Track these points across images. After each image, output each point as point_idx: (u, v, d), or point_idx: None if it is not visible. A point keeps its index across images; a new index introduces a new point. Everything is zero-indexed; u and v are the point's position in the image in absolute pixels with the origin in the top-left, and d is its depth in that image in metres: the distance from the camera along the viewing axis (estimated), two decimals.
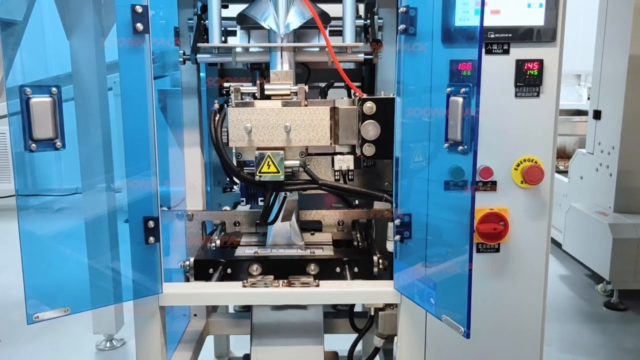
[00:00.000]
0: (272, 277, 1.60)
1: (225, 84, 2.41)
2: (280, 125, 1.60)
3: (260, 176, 1.62)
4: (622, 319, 3.71)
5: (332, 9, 1.90)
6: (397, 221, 1.50)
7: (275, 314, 1.87)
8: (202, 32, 1.96)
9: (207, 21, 1.89)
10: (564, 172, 4.91)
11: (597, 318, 3.72)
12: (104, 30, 1.51)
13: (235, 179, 2.29)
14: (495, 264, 1.53)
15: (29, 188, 1.38)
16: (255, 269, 1.71)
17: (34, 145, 1.27)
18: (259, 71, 2.18)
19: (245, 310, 2.33)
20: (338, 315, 2.23)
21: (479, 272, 1.52)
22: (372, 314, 1.86)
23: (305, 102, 1.63)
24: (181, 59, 1.89)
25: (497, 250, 1.53)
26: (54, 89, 1.28)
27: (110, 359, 3.28)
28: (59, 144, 1.30)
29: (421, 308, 1.49)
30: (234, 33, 2.16)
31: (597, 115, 4.17)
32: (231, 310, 2.67)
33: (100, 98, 1.51)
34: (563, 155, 5.49)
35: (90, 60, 1.52)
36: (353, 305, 2.12)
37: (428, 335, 1.59)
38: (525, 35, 1.44)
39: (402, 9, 1.40)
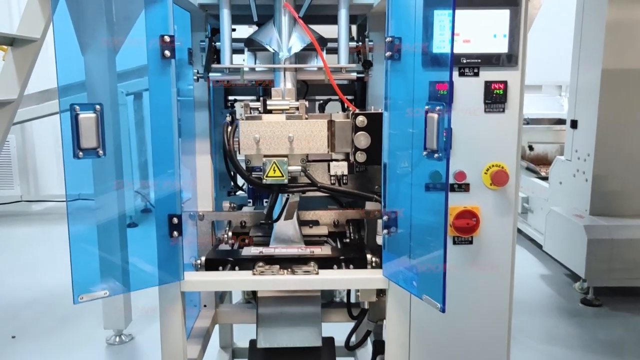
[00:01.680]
0: (277, 266, 1.85)
1: (230, 97, 2.70)
2: (285, 135, 1.85)
3: (267, 180, 1.86)
4: (597, 314, 3.99)
5: (327, 30, 2.17)
6: (385, 218, 1.76)
7: (279, 305, 2.11)
8: (212, 53, 2.22)
9: (216, 43, 2.15)
10: (545, 179, 5.20)
11: (574, 313, 3.99)
12: (116, 47, 1.73)
13: (240, 183, 2.54)
14: (469, 254, 1.79)
15: (75, 190, 1.60)
16: (259, 265, 1.95)
17: (81, 153, 1.51)
18: (262, 87, 2.44)
19: (251, 297, 2.56)
20: (334, 306, 2.47)
21: (455, 262, 1.78)
22: (366, 307, 2.12)
23: (306, 116, 1.89)
24: (195, 77, 2.14)
25: (471, 242, 1.79)
26: (97, 107, 1.53)
27: (119, 353, 3.50)
28: (100, 152, 1.54)
29: (406, 292, 1.75)
30: (238, 52, 2.41)
31: (574, 124, 4.46)
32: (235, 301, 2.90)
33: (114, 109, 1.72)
34: (545, 162, 5.77)
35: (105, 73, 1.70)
36: (349, 297, 2.37)
37: (412, 316, 1.84)
38: (492, 60, 1.70)
39: (388, 39, 1.66)
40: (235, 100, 2.61)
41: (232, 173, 2.65)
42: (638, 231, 4.00)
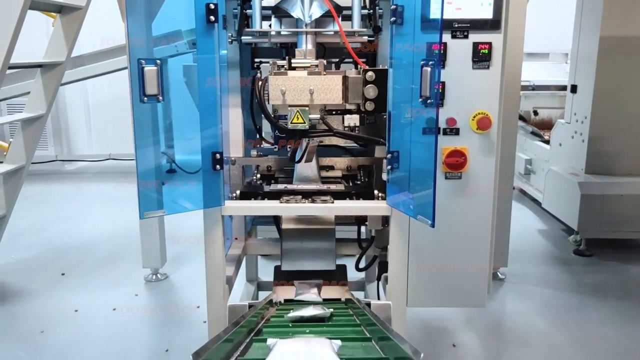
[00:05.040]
0: (300, 196, 2.24)
1: (256, 60, 3.06)
2: (306, 89, 2.21)
3: (291, 125, 2.24)
4: (587, 262, 4.36)
5: None
6: (389, 156, 2.13)
7: (299, 239, 2.51)
8: (243, 19, 2.58)
9: (247, 10, 2.51)
10: (548, 142, 5.51)
11: (566, 262, 4.37)
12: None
13: (271, 129, 2.92)
14: (459, 187, 2.16)
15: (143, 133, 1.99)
16: (286, 196, 2.35)
17: (145, 98, 1.90)
18: (285, 49, 2.79)
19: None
20: (346, 241, 2.87)
21: (447, 194, 2.16)
22: (373, 234, 2.51)
23: (324, 73, 2.25)
24: (229, 40, 2.50)
25: (460, 177, 2.16)
26: (158, 61, 1.91)
27: (156, 288, 3.96)
28: (160, 98, 1.93)
29: (406, 219, 2.14)
30: (266, 18, 2.76)
31: (573, 89, 4.77)
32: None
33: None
34: (549, 126, 6.05)
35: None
36: (360, 232, 2.76)
37: (411, 240, 2.23)
38: (479, 25, 2.05)
39: (393, 7, 2.01)
40: (261, 62, 2.98)
41: (257, 127, 3.03)
42: (628, 188, 4.33)
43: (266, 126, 3.36)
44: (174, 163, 2.26)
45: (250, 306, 1.90)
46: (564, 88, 6.15)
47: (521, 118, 5.79)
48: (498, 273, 4.00)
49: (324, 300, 2.01)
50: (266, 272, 3.70)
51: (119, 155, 7.46)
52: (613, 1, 4.24)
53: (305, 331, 1.67)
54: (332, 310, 1.83)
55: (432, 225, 1.90)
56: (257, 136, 3.16)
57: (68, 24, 3.73)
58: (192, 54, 2.85)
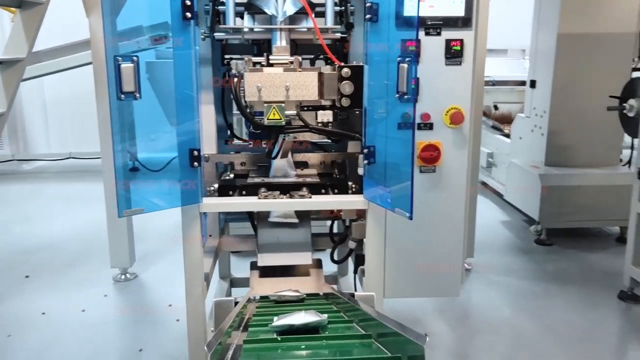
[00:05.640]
0: (278, 192, 2.26)
1: (226, 56, 3.05)
2: (282, 85, 2.23)
3: (268, 122, 2.25)
4: (548, 251, 4.53)
5: None
6: (365, 151, 2.17)
7: (275, 233, 2.52)
8: (215, 15, 2.57)
9: (218, 6, 2.50)
10: (508, 135, 5.68)
11: (529, 251, 4.52)
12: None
13: (246, 125, 2.91)
14: (433, 180, 2.23)
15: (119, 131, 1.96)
16: (263, 191, 2.36)
17: (122, 96, 1.88)
18: (257, 46, 2.80)
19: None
20: (321, 236, 2.90)
21: (422, 187, 2.22)
22: (348, 224, 2.55)
23: (300, 69, 2.27)
24: (202, 37, 2.49)
25: (434, 171, 2.23)
26: (134, 58, 1.89)
27: (126, 288, 3.90)
28: (137, 95, 1.91)
29: (382, 212, 2.18)
30: (238, 14, 2.75)
31: (532, 84, 4.93)
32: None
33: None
34: (509, 120, 6.22)
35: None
36: (333, 226, 2.80)
37: (387, 232, 2.28)
38: (451, 22, 2.11)
39: (368, 4, 2.05)
40: (231, 59, 2.97)
41: (228, 124, 3.03)
42: (585, 179, 4.51)
43: (235, 123, 3.37)
44: (137, 161, 2.24)
45: (235, 303, 1.91)
46: (522, 83, 6.34)
47: (483, 113, 5.94)
48: (465, 264, 4.10)
49: (307, 295, 2.01)
50: (239, 269, 3.70)
51: (80, 154, 7.29)
52: None
53: (300, 346, 1.41)
54: (326, 316, 1.59)
55: (410, 218, 1.95)
56: (229, 133, 3.16)
57: (28, 19, 3.62)
58: (154, 50, 2.84)
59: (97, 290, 3.82)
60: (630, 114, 3.72)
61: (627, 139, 4.64)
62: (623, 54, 4.44)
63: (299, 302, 1.95)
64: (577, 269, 4.18)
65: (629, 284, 3.62)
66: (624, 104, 3.76)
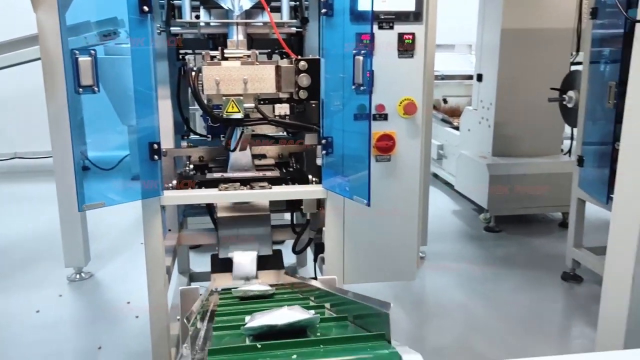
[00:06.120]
0: (238, 183, 2.30)
1: (181, 52, 3.05)
2: (240, 78, 2.26)
3: (226, 114, 2.29)
4: (497, 237, 4.73)
5: None
6: (323, 142, 2.24)
7: (235, 226, 2.55)
8: (170, 9, 2.58)
9: (174, 1, 2.51)
10: (457, 128, 5.87)
11: (479, 238, 4.71)
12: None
13: (203, 119, 2.92)
14: (388, 169, 2.31)
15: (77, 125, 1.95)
16: (224, 184, 2.39)
17: (80, 90, 1.87)
18: (212, 40, 2.82)
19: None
20: (280, 227, 2.95)
21: (378, 176, 2.30)
22: (309, 217, 2.61)
23: (257, 62, 2.31)
24: (158, 31, 2.50)
25: (389, 160, 2.31)
26: (92, 51, 1.89)
27: (81, 288, 3.84)
28: (95, 89, 1.91)
29: (341, 201, 2.26)
30: (194, 9, 2.77)
31: (479, 78, 5.11)
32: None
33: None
34: (458, 114, 6.43)
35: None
36: (293, 218, 2.85)
37: (345, 221, 2.35)
38: (403, 16, 2.20)
39: None
40: (186, 54, 2.98)
41: (184, 118, 3.04)
42: (531, 168, 4.73)
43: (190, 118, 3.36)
44: (88, 160, 2.23)
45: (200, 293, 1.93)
46: (469, 77, 6.55)
47: (433, 107, 6.11)
48: (419, 252, 4.24)
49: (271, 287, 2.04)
50: (197, 264, 3.71)
51: (26, 154, 7.05)
52: None
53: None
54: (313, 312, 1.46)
55: (368, 204, 2.03)
56: (185, 128, 3.17)
57: None
58: (103, 47, 2.81)
59: (51, 291, 3.74)
60: (570, 105, 3.93)
61: (568, 129, 4.90)
62: (562, 48, 4.67)
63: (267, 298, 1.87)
64: (524, 253, 4.39)
65: (571, 265, 3.84)
66: (564, 96, 3.97)
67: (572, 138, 4.55)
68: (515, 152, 4.90)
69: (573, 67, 4.43)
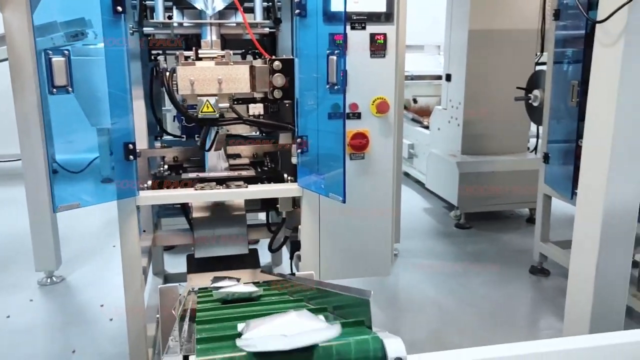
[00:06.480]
0: (214, 182, 2.31)
1: (153, 52, 3.05)
2: (215, 78, 2.28)
3: (201, 114, 2.30)
4: (467, 234, 4.83)
5: None
6: (298, 141, 2.27)
7: (211, 226, 2.56)
8: (143, 10, 2.58)
9: (146, 1, 2.51)
10: (427, 127, 5.97)
11: (450, 235, 4.81)
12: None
13: (177, 119, 2.92)
14: (362, 167, 2.36)
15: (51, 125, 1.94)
16: (200, 184, 2.40)
17: (54, 90, 1.87)
18: (185, 41, 2.82)
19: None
20: (256, 227, 2.97)
21: (352, 173, 2.35)
22: (284, 216, 2.64)
23: (231, 63, 2.33)
24: (131, 32, 2.49)
25: (363, 158, 2.36)
26: (65, 51, 1.88)
27: (52, 292, 3.78)
28: (70, 89, 1.90)
29: (316, 199, 2.29)
30: (167, 9, 2.77)
31: (448, 77, 5.22)
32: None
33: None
34: (427, 113, 6.53)
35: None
36: (268, 216, 2.88)
37: (321, 219, 2.39)
38: (374, 17, 2.25)
39: (297, 0, 2.15)
40: (158, 54, 2.97)
41: (157, 119, 3.04)
42: (498, 165, 4.86)
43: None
44: (56, 162, 2.21)
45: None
46: (438, 77, 6.68)
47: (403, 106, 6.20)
48: (393, 248, 4.31)
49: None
50: (170, 266, 3.70)
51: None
52: None
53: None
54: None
55: (344, 201, 2.07)
56: (158, 128, 3.16)
57: None
58: (71, 47, 2.78)
59: (21, 296, 3.68)
60: (535, 104, 4.05)
61: (534, 127, 5.04)
62: (527, 48, 4.81)
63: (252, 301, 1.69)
64: (493, 248, 4.50)
65: (538, 259, 3.96)
66: (529, 95, 4.09)
67: (537, 136, 4.68)
68: (483, 150, 5.01)
69: (538, 67, 4.57)
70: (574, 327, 2.44)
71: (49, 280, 3.86)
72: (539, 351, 1.39)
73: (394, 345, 1.19)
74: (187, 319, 1.59)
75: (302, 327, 1.15)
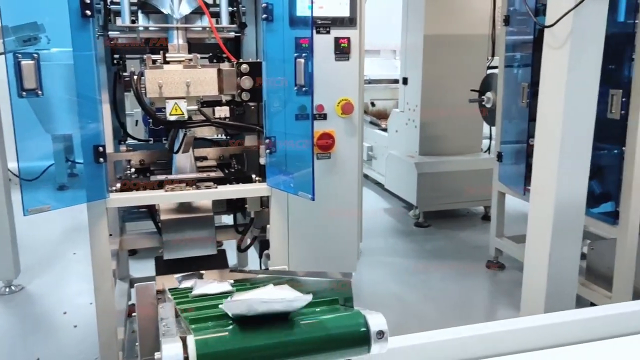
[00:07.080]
0: (184, 184, 2.34)
1: (115, 56, 3.04)
2: (183, 81, 2.31)
3: (170, 117, 2.33)
4: (426, 232, 4.98)
5: None
6: (267, 141, 2.34)
7: (179, 228, 2.58)
8: (107, 14, 2.58)
9: (110, 5, 2.52)
10: (385, 130, 6.11)
11: (409, 234, 4.95)
12: None
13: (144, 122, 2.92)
14: (329, 166, 2.44)
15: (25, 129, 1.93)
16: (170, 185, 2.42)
17: (24, 93, 1.87)
18: (149, 45, 2.84)
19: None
20: (225, 228, 3.00)
21: (320, 172, 2.42)
22: (252, 216, 2.69)
23: (199, 66, 2.37)
24: (96, 35, 2.50)
25: (329, 157, 2.45)
26: (35, 54, 1.89)
27: (11, 301, 3.70)
28: (39, 92, 1.91)
29: (285, 199, 2.35)
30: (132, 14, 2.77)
31: (405, 81, 5.37)
32: None
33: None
34: (385, 116, 6.69)
35: None
36: (236, 218, 2.91)
37: (289, 218, 2.46)
38: (338, 22, 2.34)
39: (263, 5, 2.21)
40: (121, 58, 2.98)
41: (121, 122, 3.04)
42: (456, 165, 5.03)
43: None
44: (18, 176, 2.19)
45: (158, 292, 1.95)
46: (395, 81, 6.85)
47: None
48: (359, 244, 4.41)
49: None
50: (134, 270, 3.68)
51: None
52: (432, 4, 4.89)
53: None
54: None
55: (313, 199, 2.14)
56: (122, 132, 3.15)
57: None
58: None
59: None
60: (488, 105, 4.24)
61: (487, 128, 5.25)
62: (479, 52, 5.01)
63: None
64: (451, 245, 4.67)
65: (494, 254, 4.14)
66: (482, 97, 4.28)
67: (490, 137, 4.89)
68: (440, 151, 5.18)
69: (489, 71, 4.77)
70: (530, 314, 2.58)
71: (7, 289, 3.77)
72: (503, 329, 1.50)
73: (376, 319, 1.32)
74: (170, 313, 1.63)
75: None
